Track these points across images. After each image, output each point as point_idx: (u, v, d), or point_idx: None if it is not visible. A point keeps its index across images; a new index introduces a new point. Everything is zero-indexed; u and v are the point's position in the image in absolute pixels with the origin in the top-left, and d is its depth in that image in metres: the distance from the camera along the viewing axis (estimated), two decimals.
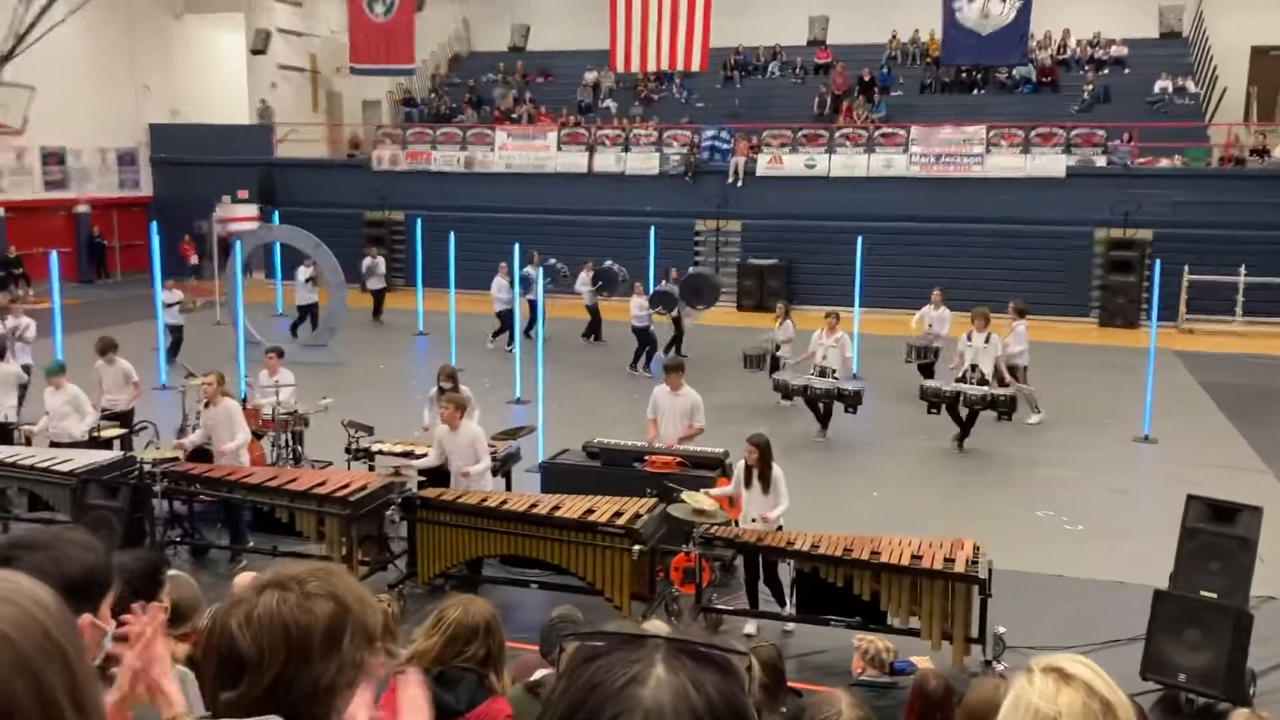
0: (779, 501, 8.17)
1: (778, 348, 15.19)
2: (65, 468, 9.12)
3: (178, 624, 3.90)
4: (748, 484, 8.24)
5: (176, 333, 17.46)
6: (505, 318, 18.65)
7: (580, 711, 0.93)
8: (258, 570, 6.43)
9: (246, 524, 9.35)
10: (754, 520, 8.16)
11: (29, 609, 0.95)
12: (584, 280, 19.68)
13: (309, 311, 19.65)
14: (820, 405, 13.35)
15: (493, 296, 19.19)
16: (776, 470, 8.22)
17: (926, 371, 14.76)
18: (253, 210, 28.97)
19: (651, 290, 18.17)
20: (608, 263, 19.94)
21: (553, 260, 20.03)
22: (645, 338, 17.56)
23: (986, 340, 12.86)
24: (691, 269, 20.40)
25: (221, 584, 6.94)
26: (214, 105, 30.97)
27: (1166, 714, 6.80)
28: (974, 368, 12.83)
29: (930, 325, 15.48)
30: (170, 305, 17.39)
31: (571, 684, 0.95)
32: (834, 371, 13.39)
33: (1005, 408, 12.60)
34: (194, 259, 28.59)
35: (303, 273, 19.79)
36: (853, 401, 13.05)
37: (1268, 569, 7.51)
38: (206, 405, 9.63)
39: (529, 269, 18.64)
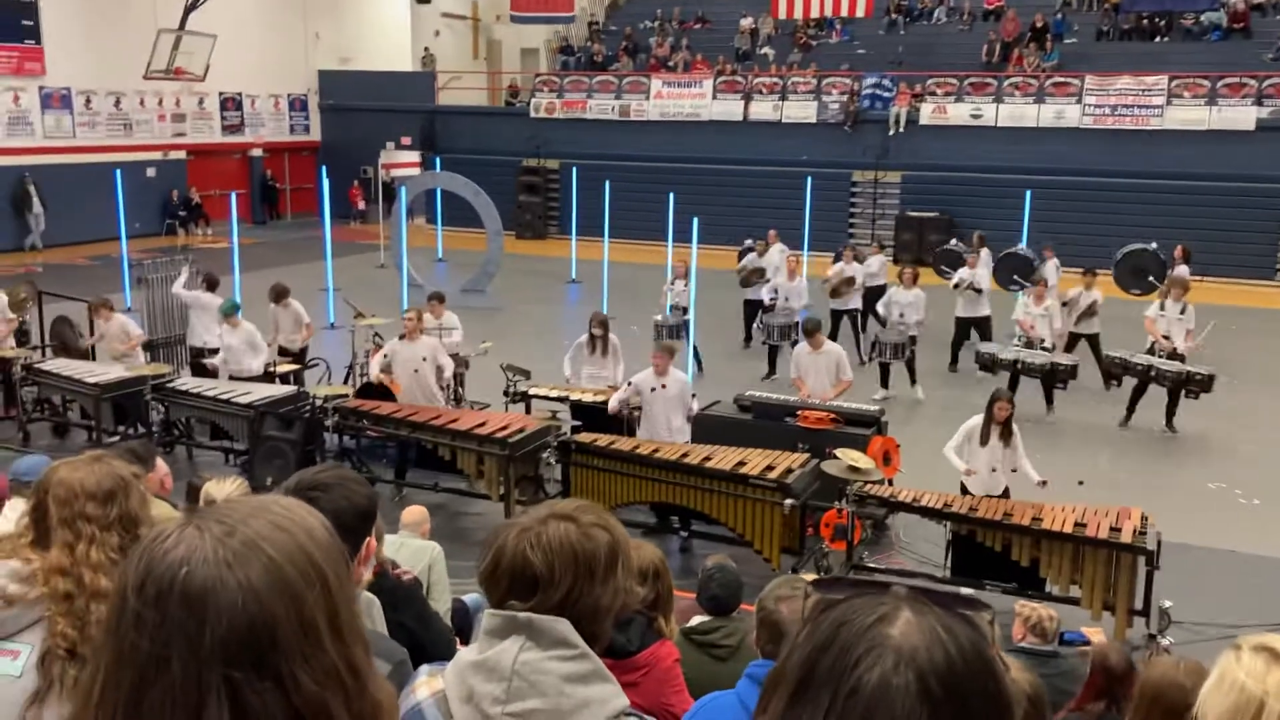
0: (1020, 459, 8.17)
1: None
2: (244, 400, 9.66)
3: None
4: (985, 440, 8.14)
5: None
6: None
7: (829, 651, 0.93)
8: (420, 504, 6.65)
9: (410, 460, 9.69)
10: (1042, 482, 8.09)
11: (299, 538, 1.03)
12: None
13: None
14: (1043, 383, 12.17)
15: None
16: (1015, 427, 8.21)
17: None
18: (415, 156, 29.82)
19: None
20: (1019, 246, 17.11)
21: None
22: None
23: (1182, 311, 11.81)
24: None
25: (387, 516, 7.23)
26: (380, 53, 31.85)
27: None
28: (1166, 337, 11.78)
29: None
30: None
31: (817, 626, 0.96)
32: (1042, 342, 12.40)
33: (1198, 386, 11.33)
34: (361, 204, 29.69)
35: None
36: (1068, 377, 11.98)
37: None
38: (402, 338, 9.82)
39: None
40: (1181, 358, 11.62)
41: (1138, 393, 11.73)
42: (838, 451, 8.13)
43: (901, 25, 28.44)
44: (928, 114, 24.65)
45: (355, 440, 9.88)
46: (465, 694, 1.60)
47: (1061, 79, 23.91)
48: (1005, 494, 8.19)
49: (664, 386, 8.97)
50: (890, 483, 8.50)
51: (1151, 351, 11.82)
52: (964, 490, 8.23)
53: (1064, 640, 5.12)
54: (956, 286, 13.97)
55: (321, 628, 1.00)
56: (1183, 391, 11.42)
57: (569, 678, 1.57)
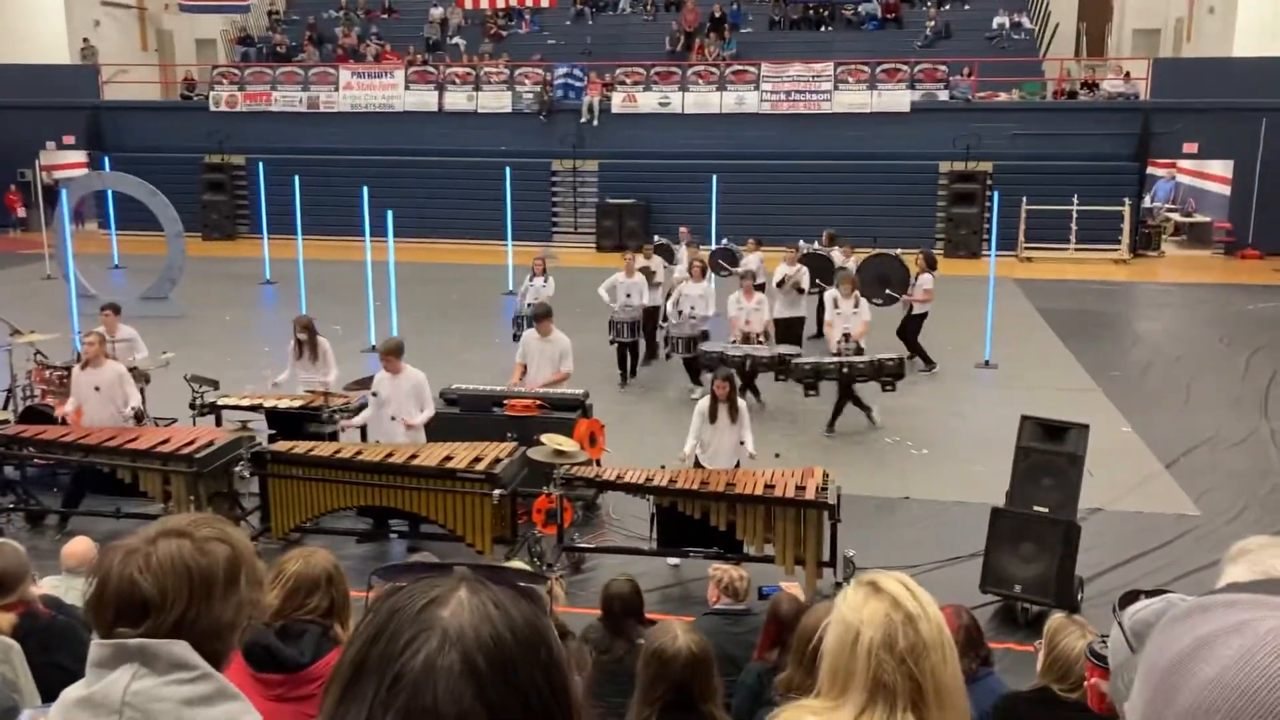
0: (745, 431, 8.29)
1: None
2: None
3: (2, 594, 3.71)
4: (714, 418, 8.28)
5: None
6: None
7: (381, 637, 0.93)
8: (90, 535, 6.10)
9: (86, 485, 8.88)
10: (751, 454, 8.22)
11: None
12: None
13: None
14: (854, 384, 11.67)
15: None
16: (742, 402, 8.38)
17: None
18: (81, 156, 27.41)
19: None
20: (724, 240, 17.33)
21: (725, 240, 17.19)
22: None
23: (855, 306, 12.02)
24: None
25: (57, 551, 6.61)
26: (30, 45, 28.89)
27: (1004, 624, 7.18)
28: (846, 337, 11.80)
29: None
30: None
31: (375, 615, 0.95)
32: (758, 337, 12.18)
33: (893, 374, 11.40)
34: (21, 210, 26.96)
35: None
36: (896, 375, 11.49)
37: (1095, 482, 8.00)
38: (84, 365, 8.95)
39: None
40: (862, 349, 11.76)
41: (844, 395, 11.54)
42: (543, 437, 8.20)
43: (589, 16, 28.99)
44: (619, 103, 25.28)
45: (20, 470, 8.96)
46: None
47: (740, 67, 25.18)
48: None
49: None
50: (598, 463, 8.67)
51: (838, 353, 11.70)
52: (697, 464, 8.37)
53: (763, 595, 5.39)
54: (780, 284, 13.55)
55: None
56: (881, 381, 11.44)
57: (189, 701, 1.48)
